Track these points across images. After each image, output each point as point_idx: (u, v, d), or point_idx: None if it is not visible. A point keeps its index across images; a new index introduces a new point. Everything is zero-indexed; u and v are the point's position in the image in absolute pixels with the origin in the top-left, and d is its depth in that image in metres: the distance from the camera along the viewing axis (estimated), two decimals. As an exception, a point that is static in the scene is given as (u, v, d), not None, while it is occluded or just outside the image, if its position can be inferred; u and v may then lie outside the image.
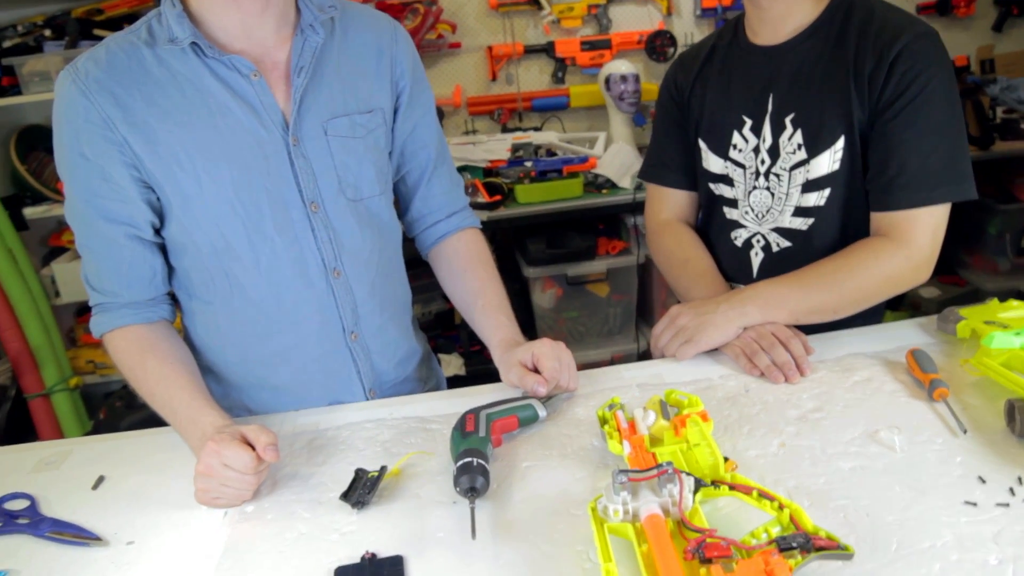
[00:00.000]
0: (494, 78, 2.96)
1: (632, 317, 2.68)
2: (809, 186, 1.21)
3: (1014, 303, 1.15)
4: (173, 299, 1.14)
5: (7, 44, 2.51)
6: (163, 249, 1.10)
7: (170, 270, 1.11)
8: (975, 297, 2.78)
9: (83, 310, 2.82)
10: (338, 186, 1.09)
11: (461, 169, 2.56)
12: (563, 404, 1.05)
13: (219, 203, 1.03)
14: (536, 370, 1.05)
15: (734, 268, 1.33)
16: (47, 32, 2.53)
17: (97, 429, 2.49)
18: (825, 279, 1.14)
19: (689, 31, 3.01)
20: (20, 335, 2.45)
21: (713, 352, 1.15)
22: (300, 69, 1.05)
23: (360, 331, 1.16)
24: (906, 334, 1.17)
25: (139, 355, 1.04)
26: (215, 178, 1.02)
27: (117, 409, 2.38)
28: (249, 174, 1.03)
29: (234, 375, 1.16)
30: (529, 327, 2.63)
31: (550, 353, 1.05)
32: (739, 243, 1.31)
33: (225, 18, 1.02)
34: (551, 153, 2.70)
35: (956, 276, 2.92)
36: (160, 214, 1.06)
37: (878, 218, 1.16)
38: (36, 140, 2.70)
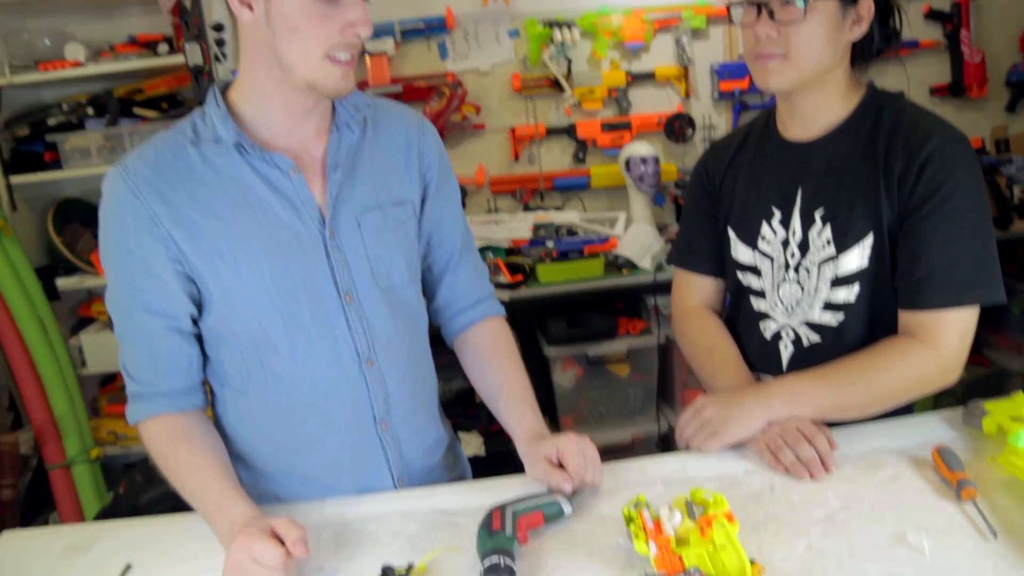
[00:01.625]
0: (516, 158, 3.03)
1: (653, 398, 2.67)
2: (838, 282, 1.21)
3: (1041, 399, 1.15)
4: (206, 386, 1.16)
5: (52, 122, 2.61)
6: (199, 339, 1.12)
7: (205, 359, 1.14)
8: (1002, 378, 2.76)
9: (108, 380, 2.85)
10: (371, 276, 1.12)
11: (483, 248, 2.61)
12: (588, 499, 1.05)
13: (258, 295, 1.06)
14: (561, 465, 1.05)
15: (762, 360, 1.33)
16: (90, 110, 2.63)
17: (116, 502, 2.47)
18: (852, 377, 1.14)
19: (707, 113, 3.08)
20: (45, 404, 2.47)
21: (738, 446, 1.14)
22: (336, 165, 1.10)
23: (390, 419, 1.17)
24: (932, 428, 1.17)
25: (172, 444, 1.06)
26: (255, 271, 1.05)
27: (137, 483, 2.38)
28: (287, 266, 1.07)
29: (264, 463, 1.17)
30: (549, 407, 2.62)
31: (575, 448, 1.06)
32: (768, 335, 1.31)
33: (272, 120, 1.07)
34: (572, 232, 2.74)
35: (981, 356, 2.89)
36: (199, 305, 1.09)
37: (906, 317, 1.17)
38: (72, 212, 2.78)
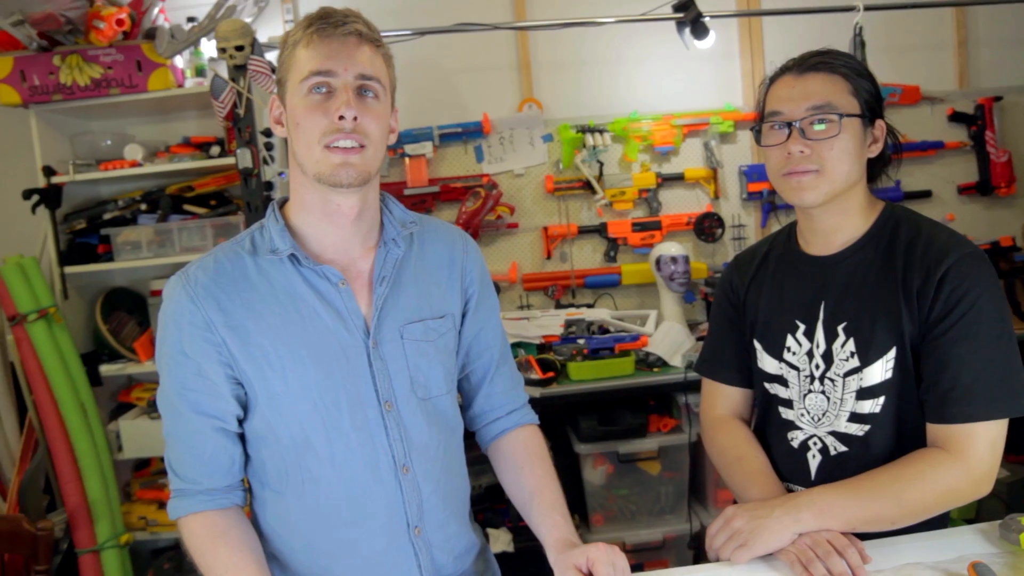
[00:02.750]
0: (549, 256, 3.10)
1: (684, 496, 2.63)
2: (863, 393, 1.23)
3: (1077, 512, 1.13)
4: (245, 484, 1.20)
5: (107, 216, 2.75)
6: (243, 439, 1.17)
7: (246, 458, 1.18)
8: (1048, 478, 2.67)
9: (141, 465, 2.89)
10: (410, 386, 1.16)
11: (515, 345, 2.65)
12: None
13: (302, 400, 1.11)
14: (591, 574, 1.05)
15: (791, 469, 1.33)
16: (143, 206, 2.77)
17: (143, 590, 2.48)
18: (882, 490, 1.14)
19: (736, 213, 3.15)
20: (80, 488, 2.50)
21: (768, 557, 1.13)
22: (383, 279, 1.16)
23: (424, 525, 1.18)
24: (967, 542, 1.15)
25: (211, 541, 1.09)
26: (300, 377, 1.10)
27: (165, 571, 2.39)
28: (331, 374, 1.11)
29: (299, 564, 1.18)
30: (580, 504, 2.60)
31: (605, 559, 1.06)
32: (795, 444, 1.32)
33: (320, 233, 1.15)
34: (603, 330, 2.77)
35: (1024, 455, 2.82)
36: (245, 407, 1.14)
37: (935, 430, 1.17)
38: (119, 301, 2.88)
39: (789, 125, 1.22)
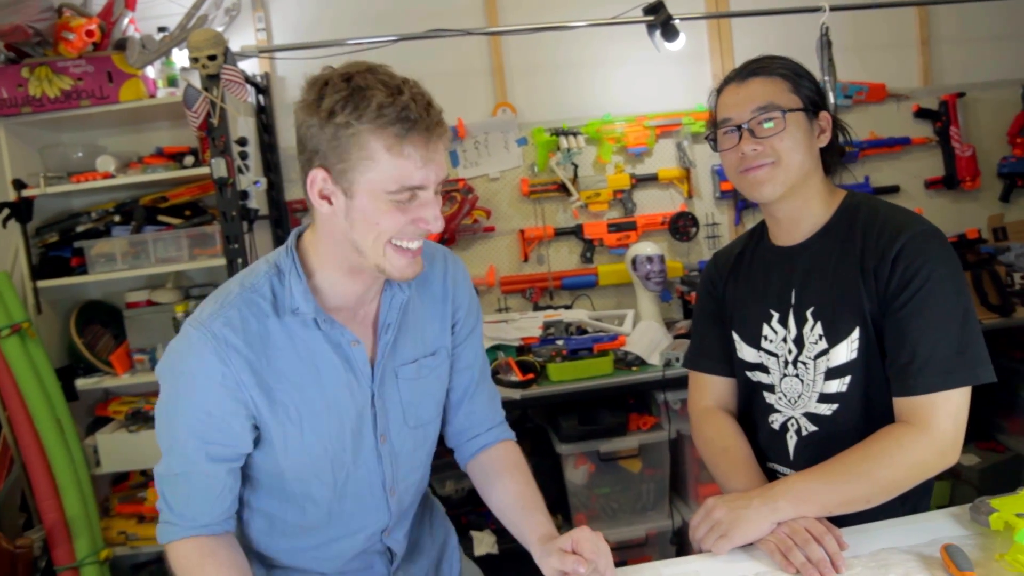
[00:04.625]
0: (526, 259, 3.12)
1: (665, 493, 2.65)
2: (831, 374, 1.28)
3: (1046, 493, 1.16)
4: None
5: (80, 229, 2.72)
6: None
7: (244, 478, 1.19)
8: (1017, 463, 2.75)
9: (119, 479, 2.86)
10: (403, 418, 1.21)
11: (494, 348, 2.66)
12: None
13: (314, 446, 1.14)
14: (575, 554, 1.08)
15: (774, 450, 1.39)
16: (116, 218, 2.74)
17: (124, 605, 2.45)
18: (852, 471, 1.17)
19: (710, 211, 3.19)
20: (58, 505, 2.47)
21: (748, 547, 1.16)
22: (388, 326, 1.19)
23: (394, 529, 1.28)
24: (940, 526, 1.18)
25: (199, 559, 1.09)
26: (315, 428, 1.13)
27: (147, 585, 2.36)
28: (342, 421, 1.15)
29: (280, 562, 1.25)
30: (562, 503, 2.61)
31: (589, 537, 1.09)
32: (776, 427, 1.37)
33: (340, 287, 1.15)
34: (582, 331, 2.79)
35: (995, 442, 2.88)
36: (256, 443, 1.15)
37: (899, 404, 1.21)
38: (93, 315, 2.85)
39: (739, 128, 1.29)
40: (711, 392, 1.48)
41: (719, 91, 1.36)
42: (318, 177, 1.04)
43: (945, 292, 1.19)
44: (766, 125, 1.27)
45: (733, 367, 1.46)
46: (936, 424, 1.17)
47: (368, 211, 1.04)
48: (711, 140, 1.37)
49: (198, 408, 1.08)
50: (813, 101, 1.31)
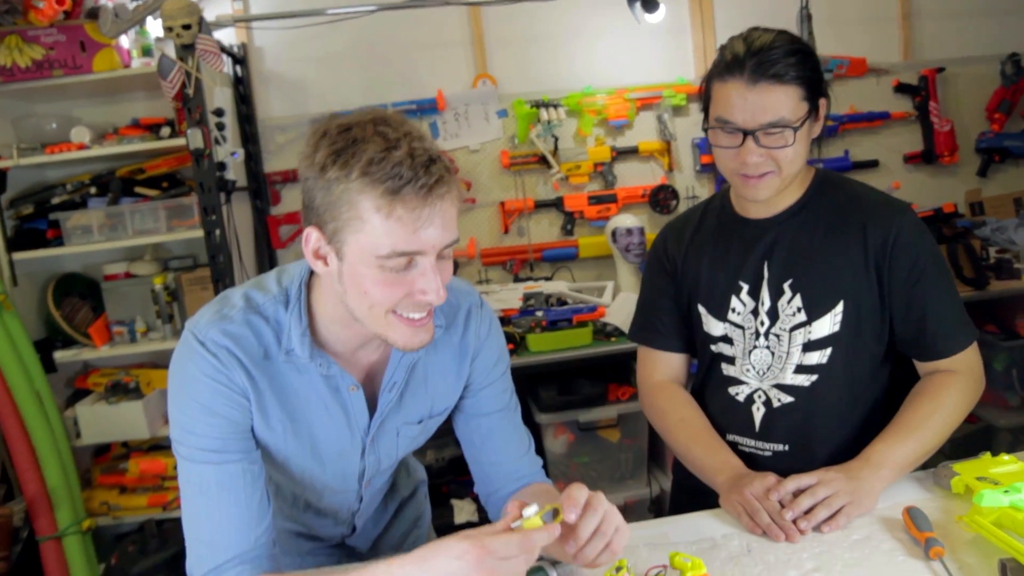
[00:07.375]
0: (506, 231, 3.13)
1: (644, 462, 2.70)
2: (810, 346, 1.29)
3: (1005, 457, 1.20)
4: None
5: (56, 201, 2.70)
6: None
7: None
8: (989, 433, 2.81)
9: (101, 451, 2.86)
10: (392, 462, 1.23)
11: (475, 318, 2.67)
12: (573, 565, 1.08)
13: (292, 462, 1.12)
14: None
15: (735, 423, 1.38)
16: (92, 190, 2.71)
17: (107, 574, 2.47)
18: (931, 426, 1.24)
19: (690, 184, 3.20)
20: (39, 476, 2.47)
21: (716, 510, 1.19)
22: (393, 385, 1.11)
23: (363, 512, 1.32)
24: (902, 489, 1.22)
25: None
26: (298, 458, 1.11)
27: (129, 554, 2.38)
28: (323, 464, 1.13)
29: None
30: (540, 473, 2.64)
31: (580, 486, 1.00)
32: (740, 399, 1.37)
33: (343, 336, 1.07)
34: (561, 302, 2.81)
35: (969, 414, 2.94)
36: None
37: (936, 365, 1.30)
38: (71, 287, 2.83)
39: (744, 133, 1.20)
40: (662, 367, 1.48)
41: (719, 76, 1.22)
42: (312, 236, 0.96)
43: (940, 264, 1.29)
44: (773, 136, 1.20)
45: (684, 342, 1.46)
46: (975, 368, 1.29)
47: (358, 278, 0.94)
48: (706, 129, 1.28)
49: (206, 410, 1.02)
50: (816, 91, 1.23)
